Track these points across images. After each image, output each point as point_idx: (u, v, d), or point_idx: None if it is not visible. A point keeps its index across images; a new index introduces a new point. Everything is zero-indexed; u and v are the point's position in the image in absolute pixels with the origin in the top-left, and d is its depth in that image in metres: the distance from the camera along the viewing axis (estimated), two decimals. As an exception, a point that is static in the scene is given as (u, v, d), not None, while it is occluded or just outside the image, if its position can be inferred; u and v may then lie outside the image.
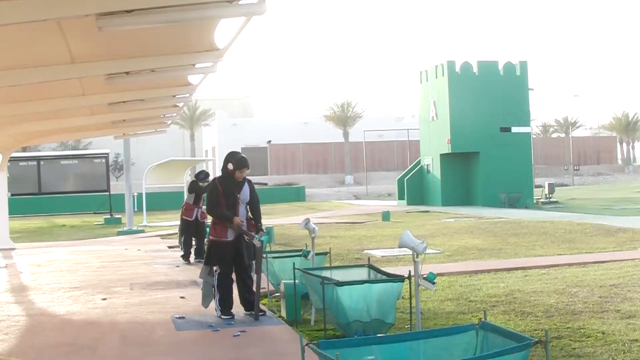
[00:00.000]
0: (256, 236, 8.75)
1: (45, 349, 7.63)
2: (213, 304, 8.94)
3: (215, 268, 8.86)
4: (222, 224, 8.70)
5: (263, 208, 31.78)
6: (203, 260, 9.22)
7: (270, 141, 65.94)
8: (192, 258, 15.05)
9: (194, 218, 14.92)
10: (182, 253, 15.27)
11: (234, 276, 8.92)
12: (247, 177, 8.94)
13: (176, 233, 21.70)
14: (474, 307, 9.22)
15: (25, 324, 9.10)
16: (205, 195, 14.60)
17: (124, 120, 15.84)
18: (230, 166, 8.71)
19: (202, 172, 15.14)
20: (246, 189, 8.81)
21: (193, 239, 15.14)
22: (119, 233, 24.38)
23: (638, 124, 77.23)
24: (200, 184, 14.76)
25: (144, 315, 9.31)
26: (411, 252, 6.56)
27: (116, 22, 6.44)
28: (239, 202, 8.71)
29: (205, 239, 15.65)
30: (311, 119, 72.51)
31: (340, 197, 49.16)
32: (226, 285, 8.80)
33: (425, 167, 36.84)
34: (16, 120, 14.13)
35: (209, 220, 15.57)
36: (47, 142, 38.17)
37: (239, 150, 9.88)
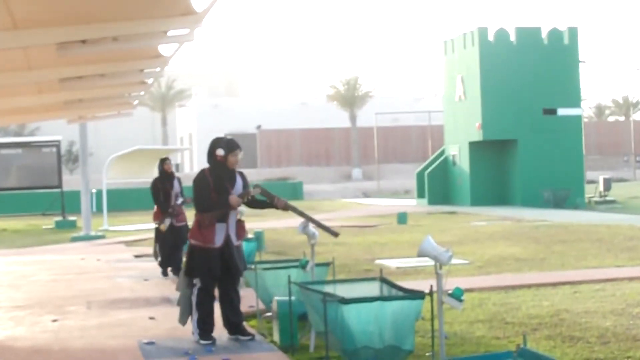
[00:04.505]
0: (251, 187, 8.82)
1: (-18, 381, 7.64)
2: (190, 325, 8.95)
3: (194, 281, 8.86)
4: (211, 224, 8.66)
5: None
6: (182, 270, 9.18)
7: (260, 126, 65.99)
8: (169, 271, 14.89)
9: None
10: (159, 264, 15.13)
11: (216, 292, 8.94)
12: (238, 170, 8.96)
13: (145, 239, 21.76)
14: (510, 330, 9.23)
15: (-42, 350, 9.10)
16: (175, 190, 14.49)
17: (80, 100, 15.80)
18: (220, 152, 8.73)
19: (160, 160, 14.92)
20: (239, 182, 8.83)
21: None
22: (74, 239, 24.37)
23: None
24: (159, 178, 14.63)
25: (104, 341, 9.31)
26: (433, 263, 6.55)
27: (69, -21, 6.43)
28: None
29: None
30: (310, 100, 72.55)
31: (346, 195, 49.16)
32: (207, 303, 8.81)
33: (451, 158, 36.83)
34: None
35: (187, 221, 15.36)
36: (-15, 127, 38.15)
37: (228, 138, 9.92)
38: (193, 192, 8.83)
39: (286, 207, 8.85)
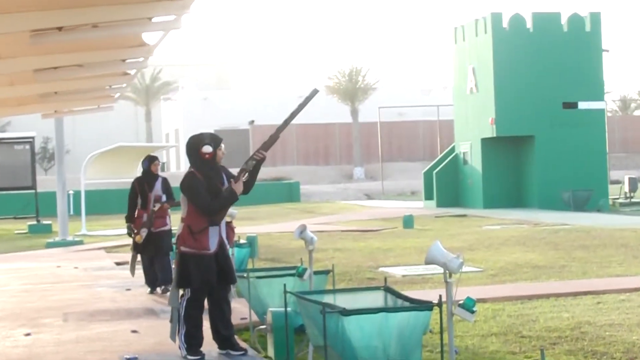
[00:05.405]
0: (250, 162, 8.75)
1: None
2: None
3: (181, 292, 8.84)
4: (205, 227, 8.62)
5: (243, 210, 31.11)
6: (174, 283, 9.06)
7: (253, 121, 66.00)
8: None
9: None
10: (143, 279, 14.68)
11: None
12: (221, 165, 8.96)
13: (127, 245, 21.72)
14: (527, 344, 9.23)
15: None
16: (155, 193, 14.03)
17: (56, 92, 15.80)
18: (208, 149, 8.68)
19: (147, 157, 14.48)
20: (225, 179, 8.82)
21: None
22: (49, 245, 24.37)
23: None
24: (140, 178, 14.13)
25: (82, 356, 9.30)
26: (442, 271, 6.55)
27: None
28: None
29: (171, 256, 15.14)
30: (308, 92, 72.37)
31: (347, 197, 49.17)
32: (196, 315, 8.79)
33: (462, 156, 36.82)
34: None
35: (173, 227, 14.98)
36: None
37: (209, 132, 9.86)
38: (193, 198, 8.63)
39: (267, 146, 8.76)
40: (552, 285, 13.47)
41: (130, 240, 14.70)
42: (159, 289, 14.00)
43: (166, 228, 14.04)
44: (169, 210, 14.19)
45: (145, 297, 13.59)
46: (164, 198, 14.01)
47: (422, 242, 20.51)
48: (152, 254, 14.02)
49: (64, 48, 11.28)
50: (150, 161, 14.24)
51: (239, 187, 8.63)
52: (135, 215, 14.20)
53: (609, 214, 30.52)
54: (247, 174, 8.74)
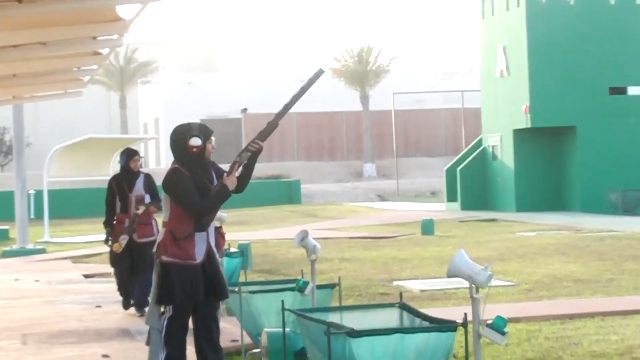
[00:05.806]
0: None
1: None
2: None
3: (162, 309, 8.82)
4: (190, 234, 8.60)
5: (234, 214, 31.27)
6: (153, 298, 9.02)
7: (246, 109, 66.07)
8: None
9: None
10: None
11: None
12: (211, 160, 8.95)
13: (97, 254, 21.74)
14: (568, 371, 9.22)
15: None
16: (136, 192, 13.88)
17: (14, 75, 15.82)
18: (197, 141, 8.62)
19: (125, 150, 14.25)
20: (213, 176, 8.80)
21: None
22: (5, 254, 24.40)
23: None
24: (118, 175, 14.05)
25: (45, 384, 9.31)
26: (468, 285, 6.53)
27: None
28: None
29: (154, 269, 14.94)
30: (310, 76, 72.38)
31: (355, 198, 49.19)
32: (179, 336, 8.77)
33: (490, 150, 36.82)
34: None
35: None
36: None
37: (197, 122, 9.76)
38: (179, 197, 8.57)
39: (264, 136, 8.72)
40: (598, 303, 13.44)
41: (107, 249, 14.67)
42: (134, 310, 13.89)
43: (151, 239, 13.34)
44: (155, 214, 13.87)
45: (119, 315, 13.57)
46: (147, 198, 13.82)
47: (444, 251, 20.52)
48: (129, 267, 13.74)
49: (24, 23, 11.28)
50: (128, 156, 14.02)
51: (232, 182, 8.59)
52: (115, 221, 13.98)
53: (664, 218, 30.51)
54: (241, 167, 8.70)
